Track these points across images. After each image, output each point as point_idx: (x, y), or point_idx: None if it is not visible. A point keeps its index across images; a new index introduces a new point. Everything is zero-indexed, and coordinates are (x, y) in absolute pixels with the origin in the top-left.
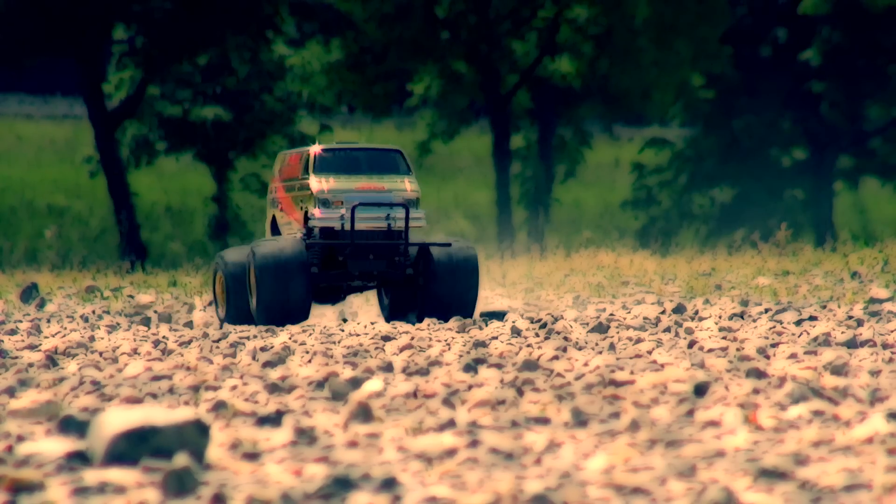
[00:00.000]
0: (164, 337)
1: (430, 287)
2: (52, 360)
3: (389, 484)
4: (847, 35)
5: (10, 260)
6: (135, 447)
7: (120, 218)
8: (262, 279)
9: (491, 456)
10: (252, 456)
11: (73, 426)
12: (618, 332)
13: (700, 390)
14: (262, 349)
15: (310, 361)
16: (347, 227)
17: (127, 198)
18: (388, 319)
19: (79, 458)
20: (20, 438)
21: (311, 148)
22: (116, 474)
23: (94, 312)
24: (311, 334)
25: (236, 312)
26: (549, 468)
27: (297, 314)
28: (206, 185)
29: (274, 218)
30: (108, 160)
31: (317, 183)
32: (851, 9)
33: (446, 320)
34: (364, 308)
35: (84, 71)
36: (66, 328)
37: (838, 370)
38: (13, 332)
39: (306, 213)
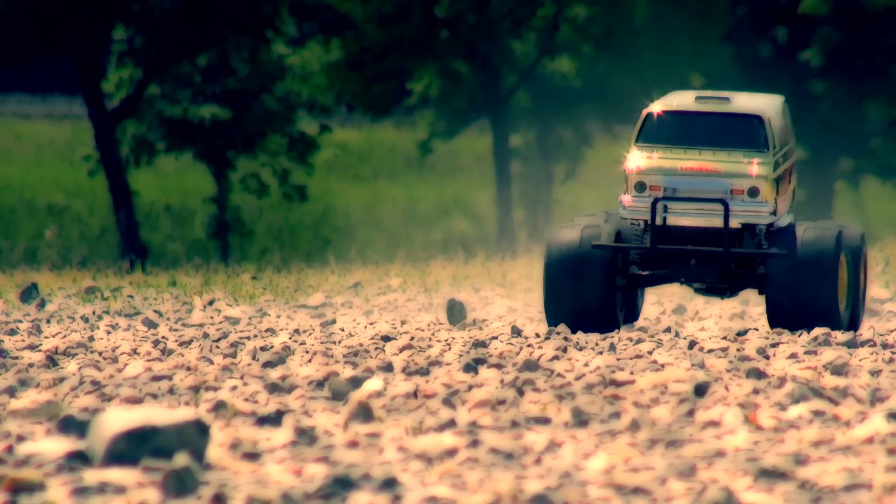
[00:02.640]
0: (163, 337)
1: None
2: (52, 360)
3: (389, 484)
4: (847, 35)
5: (9, 260)
6: (135, 447)
7: (119, 217)
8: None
9: (491, 456)
10: (252, 456)
11: (73, 426)
12: (618, 333)
13: (700, 390)
14: (262, 349)
15: (310, 361)
16: (658, 221)
17: (126, 197)
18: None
19: (79, 458)
20: (20, 438)
21: (653, 105)
22: (116, 474)
23: (94, 312)
24: (311, 334)
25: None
26: (550, 468)
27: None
28: (206, 184)
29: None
30: (108, 159)
31: (634, 157)
32: (851, 9)
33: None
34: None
35: (84, 70)
36: (66, 328)
37: (838, 370)
38: (13, 332)
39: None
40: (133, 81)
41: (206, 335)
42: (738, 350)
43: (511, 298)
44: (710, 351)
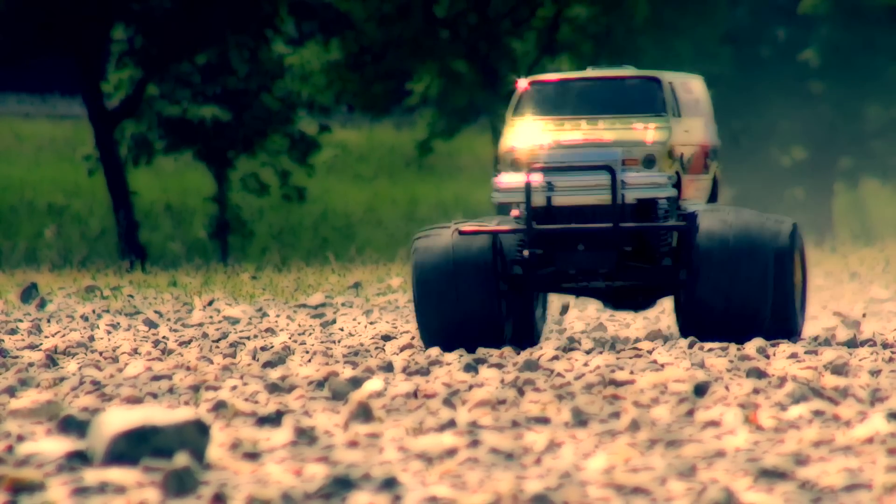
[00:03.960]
0: (164, 337)
1: (693, 290)
2: (52, 360)
3: (390, 484)
4: (847, 34)
5: (9, 259)
6: (135, 447)
7: (119, 217)
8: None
9: (491, 456)
10: (252, 456)
11: (73, 426)
12: (618, 332)
13: (700, 390)
14: (262, 349)
15: (310, 361)
16: (539, 202)
17: (126, 197)
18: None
19: (79, 458)
20: (20, 438)
21: (521, 81)
22: (116, 474)
23: (94, 312)
24: (311, 334)
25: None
26: (550, 468)
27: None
28: (206, 184)
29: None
30: (108, 159)
31: (509, 134)
32: (851, 8)
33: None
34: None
35: (84, 70)
36: (66, 328)
37: (838, 370)
38: (13, 331)
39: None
40: (133, 81)
41: (205, 335)
42: (738, 350)
43: None
44: (709, 350)
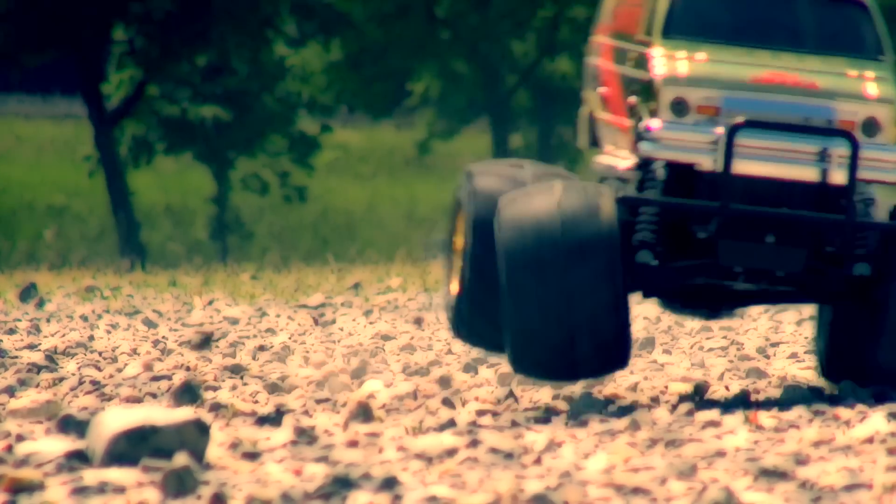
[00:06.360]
0: (163, 337)
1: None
2: (51, 360)
3: (389, 483)
4: None
5: (9, 260)
6: (135, 447)
7: (118, 218)
8: (514, 277)
9: (491, 456)
10: (252, 456)
11: (73, 426)
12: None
13: (700, 390)
14: (262, 349)
15: (310, 361)
16: (719, 166)
17: (126, 197)
18: (825, 373)
19: (78, 458)
20: (20, 438)
21: None
22: (116, 474)
23: (93, 312)
24: (311, 334)
25: (473, 320)
26: (549, 468)
27: (599, 357)
28: (206, 184)
29: (592, 118)
30: (108, 160)
31: (665, 58)
32: None
33: None
34: None
35: (83, 70)
36: (65, 327)
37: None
38: (12, 331)
39: (637, 123)
40: (133, 82)
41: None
42: (737, 350)
43: None
44: (709, 350)
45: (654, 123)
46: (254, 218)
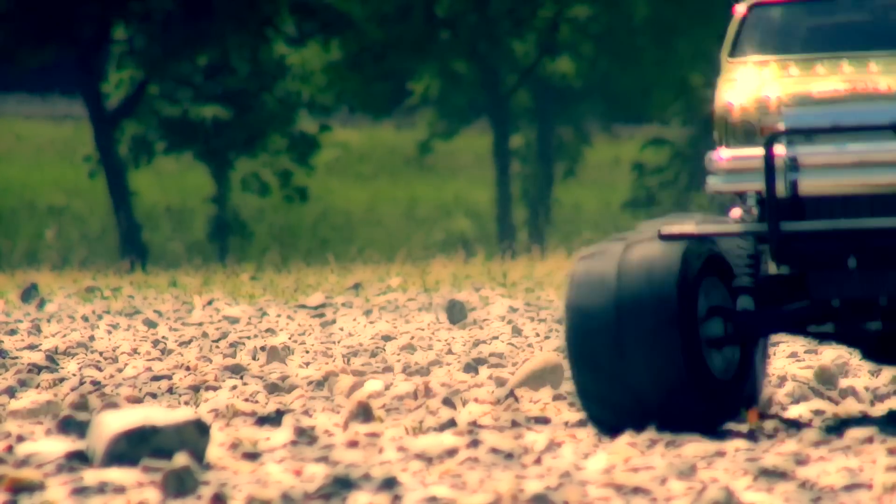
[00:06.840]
0: (163, 337)
1: None
2: (52, 360)
3: (389, 483)
4: None
5: (10, 260)
6: (135, 447)
7: (119, 218)
8: (573, 341)
9: (491, 456)
10: (252, 456)
11: (73, 426)
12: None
13: None
14: (262, 349)
15: (310, 361)
16: (782, 189)
17: (126, 197)
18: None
19: (79, 458)
20: (20, 438)
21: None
22: (116, 474)
23: (94, 312)
24: (311, 334)
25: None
26: (550, 468)
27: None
28: (206, 185)
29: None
30: (108, 160)
31: (730, 82)
32: None
33: None
34: None
35: (83, 70)
36: (66, 328)
37: (839, 370)
38: (13, 332)
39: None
40: (133, 81)
41: (205, 335)
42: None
43: (511, 298)
44: None
45: (720, 154)
46: (254, 218)
